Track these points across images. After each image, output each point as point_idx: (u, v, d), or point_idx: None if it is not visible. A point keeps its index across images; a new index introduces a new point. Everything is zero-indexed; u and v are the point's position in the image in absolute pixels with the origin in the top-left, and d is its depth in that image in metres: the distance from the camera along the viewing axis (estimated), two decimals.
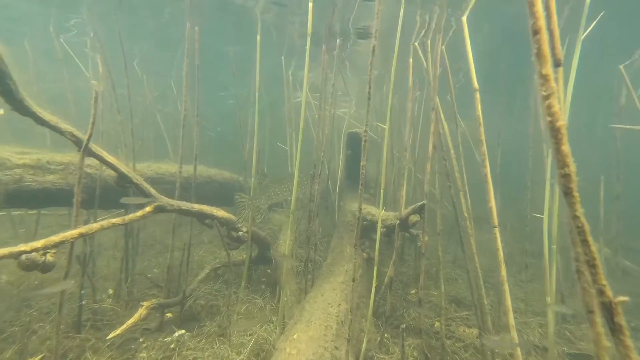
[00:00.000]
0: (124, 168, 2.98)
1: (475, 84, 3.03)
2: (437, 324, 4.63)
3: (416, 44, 4.45)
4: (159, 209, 3.22)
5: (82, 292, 3.54)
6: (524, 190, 5.46)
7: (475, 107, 3.04)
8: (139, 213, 3.00)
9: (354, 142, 5.87)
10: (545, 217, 2.63)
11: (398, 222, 4.01)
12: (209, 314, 4.26)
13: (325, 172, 7.26)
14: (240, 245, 4.15)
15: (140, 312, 3.41)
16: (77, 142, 2.66)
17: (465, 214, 3.90)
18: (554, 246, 2.69)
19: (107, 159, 2.87)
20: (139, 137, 7.02)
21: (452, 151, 3.97)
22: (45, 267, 2.25)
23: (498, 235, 2.95)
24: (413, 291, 5.58)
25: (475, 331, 4.27)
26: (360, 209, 3.24)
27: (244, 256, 4.75)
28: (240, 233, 4.06)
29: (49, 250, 2.26)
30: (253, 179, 4.63)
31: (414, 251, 6.40)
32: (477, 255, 3.79)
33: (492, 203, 2.99)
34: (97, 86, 2.63)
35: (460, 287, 5.73)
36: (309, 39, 3.34)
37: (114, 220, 2.75)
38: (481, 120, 3.05)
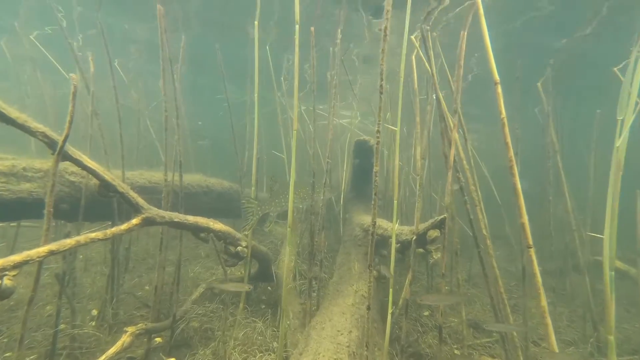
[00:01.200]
0: (107, 175, 2.60)
1: (496, 76, 2.67)
2: (456, 351, 4.20)
3: (412, 37, 3.94)
4: (148, 222, 2.83)
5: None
6: (547, 204, 5.06)
7: (498, 104, 2.67)
8: (124, 226, 2.61)
9: (362, 151, 5.52)
10: (606, 238, 2.25)
11: (414, 237, 3.62)
12: (202, 339, 3.83)
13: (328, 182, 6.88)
14: (238, 261, 3.74)
15: (124, 339, 2.98)
16: (50, 144, 2.29)
17: (484, 232, 3.52)
18: (613, 273, 2.30)
19: (87, 164, 2.50)
20: (134, 145, 6.67)
21: (464, 162, 3.61)
22: (2, 294, 1.86)
23: (534, 257, 2.56)
24: (427, 313, 5.14)
25: None
26: (374, 224, 2.86)
27: (243, 272, 4.33)
28: (239, 248, 3.66)
29: (7, 273, 1.87)
30: (253, 188, 4.25)
31: (425, 268, 5.97)
32: (500, 278, 3.39)
33: (525, 219, 2.60)
34: (76, 80, 2.27)
35: (477, 310, 5.28)
36: (297, 26, 2.99)
37: (92, 235, 2.36)
38: (505, 120, 2.69)
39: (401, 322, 3.57)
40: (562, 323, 5.03)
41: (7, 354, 3.09)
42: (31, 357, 3.14)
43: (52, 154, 2.28)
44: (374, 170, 2.62)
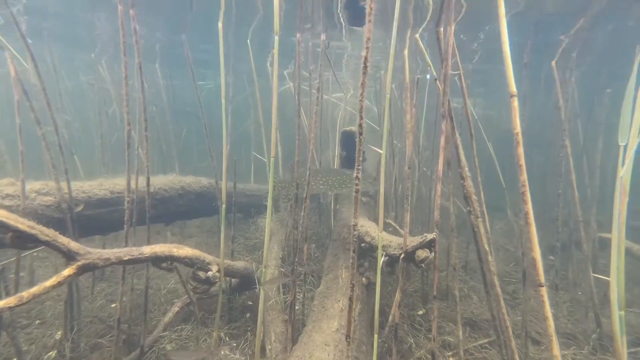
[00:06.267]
0: (22, 224, 2.12)
1: (513, 87, 2.15)
2: (450, 359, 3.95)
3: (417, 36, 3.46)
4: (86, 269, 2.39)
5: None
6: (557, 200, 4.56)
7: (512, 119, 2.17)
8: (49, 282, 2.17)
9: (350, 142, 4.99)
10: (612, 272, 1.85)
11: (402, 254, 3.20)
12: None
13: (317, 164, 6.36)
14: (209, 287, 3.36)
15: None
16: None
17: (486, 246, 3.11)
18: (623, 312, 1.95)
19: None
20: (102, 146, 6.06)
21: (465, 168, 3.13)
22: None
23: (546, 297, 2.15)
24: (421, 312, 4.86)
25: None
26: (353, 231, 2.44)
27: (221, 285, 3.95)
28: (210, 273, 3.26)
29: None
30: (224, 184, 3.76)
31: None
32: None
33: (537, 254, 2.17)
34: None
35: (474, 305, 5.00)
36: (277, 37, 2.41)
37: (1, 304, 1.93)
38: (520, 137, 2.19)
39: (390, 345, 3.25)
40: (562, 313, 4.76)
41: None
42: None
43: None
44: (356, 168, 2.15)
